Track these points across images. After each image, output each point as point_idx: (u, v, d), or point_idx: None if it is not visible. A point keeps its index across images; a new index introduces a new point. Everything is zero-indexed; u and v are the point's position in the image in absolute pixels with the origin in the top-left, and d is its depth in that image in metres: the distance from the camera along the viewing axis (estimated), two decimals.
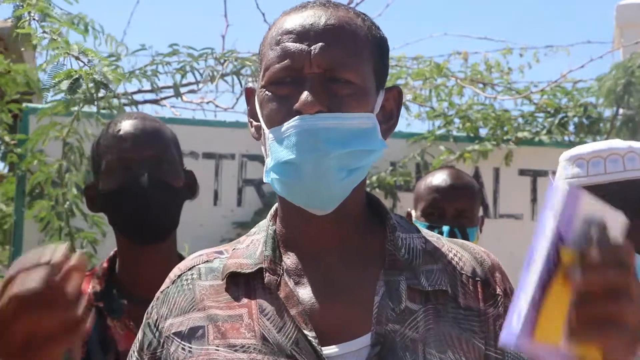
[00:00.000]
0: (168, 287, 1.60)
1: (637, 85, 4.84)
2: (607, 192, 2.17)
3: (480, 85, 5.42)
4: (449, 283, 1.53)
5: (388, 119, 1.58)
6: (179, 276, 1.60)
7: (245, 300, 1.52)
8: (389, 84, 1.63)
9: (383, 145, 1.53)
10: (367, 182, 4.81)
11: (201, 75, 4.38)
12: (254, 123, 1.57)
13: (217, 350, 1.48)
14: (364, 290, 1.50)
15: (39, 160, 4.26)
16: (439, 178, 3.18)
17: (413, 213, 3.22)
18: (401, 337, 1.47)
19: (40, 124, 4.22)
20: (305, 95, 1.46)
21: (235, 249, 1.59)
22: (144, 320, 1.61)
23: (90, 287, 2.39)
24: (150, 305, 1.61)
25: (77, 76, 2.59)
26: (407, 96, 5.46)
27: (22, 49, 5.19)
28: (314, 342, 1.45)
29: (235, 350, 1.47)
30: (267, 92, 1.52)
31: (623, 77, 4.85)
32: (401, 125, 7.19)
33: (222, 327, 1.50)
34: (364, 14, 1.58)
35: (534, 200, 4.83)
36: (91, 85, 3.25)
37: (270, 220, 1.59)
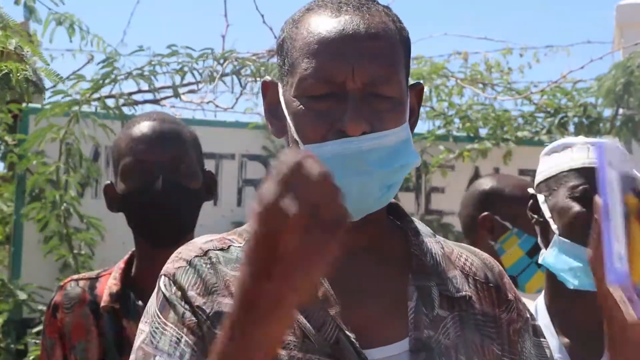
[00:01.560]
0: (184, 265, 1.47)
1: (636, 85, 4.84)
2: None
3: (480, 86, 5.42)
4: (469, 289, 1.53)
5: (411, 117, 1.53)
6: (196, 257, 1.48)
7: None
8: None
9: (416, 157, 1.49)
10: None
11: (200, 75, 4.37)
12: (275, 122, 1.52)
13: None
14: (395, 294, 1.49)
15: (37, 161, 4.25)
16: (487, 184, 3.21)
17: (505, 223, 3.19)
18: (437, 343, 1.46)
19: (38, 126, 4.22)
20: (350, 115, 1.41)
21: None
22: (158, 299, 1.47)
23: (106, 288, 2.39)
24: (163, 285, 1.47)
25: (6, 71, 2.56)
26: None
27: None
28: (356, 343, 1.42)
29: None
30: (301, 105, 1.46)
31: (622, 76, 4.85)
32: None
33: None
34: (391, 11, 1.53)
35: None
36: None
37: None
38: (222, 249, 1.50)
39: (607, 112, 5.10)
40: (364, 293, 1.49)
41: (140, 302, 2.37)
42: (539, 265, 2.95)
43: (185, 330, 1.42)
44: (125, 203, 2.38)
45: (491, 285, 1.56)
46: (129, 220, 2.42)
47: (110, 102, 4.96)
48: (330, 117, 1.43)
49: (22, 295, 4.20)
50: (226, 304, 1.42)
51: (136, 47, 4.44)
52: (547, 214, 2.29)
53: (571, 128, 5.09)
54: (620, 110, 5.02)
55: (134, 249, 2.47)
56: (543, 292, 2.35)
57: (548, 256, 2.28)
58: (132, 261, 2.46)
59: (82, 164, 4.25)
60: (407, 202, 4.88)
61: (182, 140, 2.41)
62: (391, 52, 1.47)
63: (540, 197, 2.33)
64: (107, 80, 4.23)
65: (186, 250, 1.51)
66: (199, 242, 1.53)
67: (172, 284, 1.46)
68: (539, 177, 2.36)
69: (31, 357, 4.12)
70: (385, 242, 1.54)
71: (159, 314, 1.46)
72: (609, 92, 4.89)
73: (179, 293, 1.45)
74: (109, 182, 2.45)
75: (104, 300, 2.36)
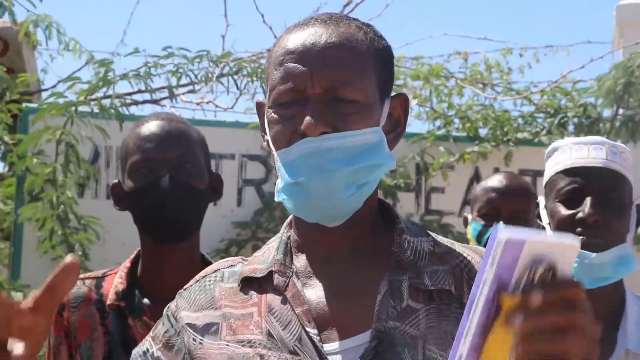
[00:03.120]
0: (192, 285, 1.66)
1: (636, 85, 4.83)
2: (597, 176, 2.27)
3: (480, 86, 5.42)
4: (454, 284, 1.55)
5: (395, 127, 1.60)
6: (204, 277, 1.66)
7: (256, 300, 1.58)
8: None
9: (390, 158, 1.56)
10: None
11: (196, 77, 4.36)
12: (265, 137, 1.61)
13: (228, 345, 1.54)
14: (368, 291, 1.54)
15: (34, 162, 4.25)
16: (495, 180, 3.27)
17: (469, 217, 3.25)
18: (401, 333, 1.50)
19: (35, 127, 4.22)
20: (308, 117, 1.49)
21: (254, 257, 1.66)
22: (163, 313, 1.67)
23: (112, 286, 2.40)
24: (171, 303, 1.67)
25: None
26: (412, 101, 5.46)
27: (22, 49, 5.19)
28: (315, 338, 1.50)
29: (243, 345, 1.53)
30: (272, 114, 1.55)
31: (622, 77, 4.85)
32: None
33: (234, 324, 1.56)
34: (366, 25, 1.60)
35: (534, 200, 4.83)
36: None
37: (286, 228, 1.64)
38: (231, 266, 1.66)
39: (607, 113, 5.10)
40: (338, 292, 1.55)
41: (145, 301, 2.38)
42: None
43: (159, 345, 1.64)
44: (133, 201, 2.40)
45: None
46: (136, 218, 2.43)
47: (108, 103, 4.97)
48: (294, 122, 1.52)
49: (19, 297, 4.20)
50: (215, 315, 1.59)
51: (136, 47, 4.42)
52: (545, 220, 2.34)
53: (571, 128, 5.09)
54: (620, 111, 5.02)
55: (139, 248, 2.48)
56: None
57: None
58: (138, 260, 2.47)
59: (79, 164, 4.25)
60: (407, 202, 4.88)
61: (189, 140, 2.43)
62: (353, 58, 1.53)
63: (542, 204, 2.38)
64: (102, 83, 4.23)
65: (202, 272, 1.69)
66: (217, 262, 1.70)
67: (175, 302, 1.66)
68: (543, 183, 2.41)
69: None
70: (370, 243, 1.59)
71: (154, 327, 1.68)
72: (609, 92, 4.89)
73: (174, 309, 1.64)
74: (116, 180, 2.47)
75: (110, 298, 2.38)
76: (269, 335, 1.53)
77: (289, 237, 1.62)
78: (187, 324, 1.60)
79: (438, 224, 4.83)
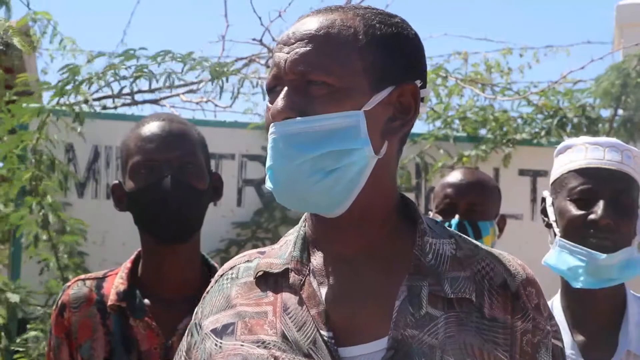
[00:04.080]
0: (212, 287, 1.65)
1: (632, 87, 4.84)
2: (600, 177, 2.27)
3: (480, 86, 5.43)
4: (475, 292, 1.52)
5: (404, 114, 1.55)
6: (221, 276, 1.65)
7: (271, 298, 1.55)
8: None
9: (365, 142, 1.51)
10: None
11: (157, 79, 4.33)
12: None
13: (242, 345, 1.52)
14: (386, 294, 1.51)
15: (13, 167, 4.23)
16: (452, 176, 3.29)
17: (430, 213, 3.27)
18: (419, 342, 1.47)
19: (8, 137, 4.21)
20: (274, 102, 1.51)
21: (271, 249, 1.63)
22: (191, 321, 1.66)
23: (113, 287, 2.40)
24: (198, 306, 1.66)
25: None
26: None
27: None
28: (330, 342, 1.47)
29: (258, 346, 1.51)
30: (267, 102, 1.57)
31: (618, 78, 4.86)
32: None
33: (249, 323, 1.54)
34: (372, 12, 1.57)
35: (533, 200, 4.83)
36: None
37: (304, 222, 1.61)
38: (247, 261, 1.64)
39: (606, 113, 5.11)
40: (354, 293, 1.52)
41: (146, 301, 2.38)
42: None
43: (184, 356, 1.64)
44: (134, 201, 2.40)
45: (508, 291, 1.54)
46: (137, 218, 2.44)
47: (110, 103, 4.97)
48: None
49: (15, 298, 4.20)
50: (231, 314, 1.57)
51: (137, 46, 4.41)
52: (552, 217, 2.34)
53: (569, 129, 5.09)
54: (620, 111, 5.02)
55: (139, 248, 2.48)
56: (560, 290, 2.37)
57: (550, 257, 2.33)
58: (138, 260, 2.47)
59: (53, 168, 4.22)
60: None
61: (190, 140, 2.44)
62: (329, 42, 1.52)
63: (548, 200, 2.37)
64: (69, 87, 4.22)
65: (220, 269, 1.68)
66: (236, 257, 1.68)
67: (199, 308, 1.65)
68: (550, 180, 2.40)
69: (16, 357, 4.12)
70: (389, 242, 1.55)
71: (185, 337, 1.67)
72: (606, 93, 4.90)
73: (199, 318, 1.63)
74: (116, 181, 2.48)
75: (111, 299, 2.38)
76: (284, 336, 1.50)
77: (305, 232, 1.60)
78: (210, 330, 1.58)
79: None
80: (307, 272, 1.54)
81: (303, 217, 1.62)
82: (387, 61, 1.54)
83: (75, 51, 4.65)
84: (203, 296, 1.66)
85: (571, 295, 2.32)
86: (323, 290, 1.53)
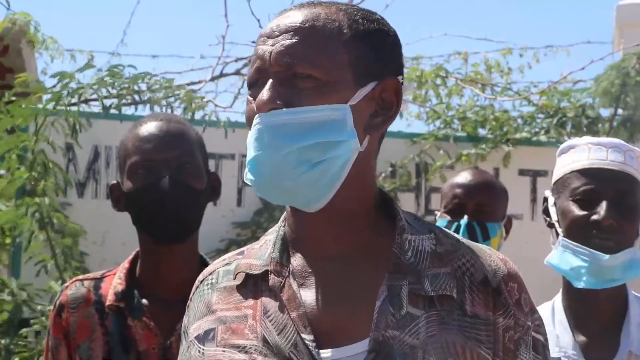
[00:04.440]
0: (193, 293, 1.64)
1: (631, 86, 4.84)
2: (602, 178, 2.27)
3: (480, 86, 5.43)
4: (456, 288, 1.51)
5: (386, 109, 1.55)
6: (202, 281, 1.63)
7: (251, 301, 1.54)
8: None
9: (351, 135, 1.50)
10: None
11: (141, 98, 4.36)
12: None
13: (224, 351, 1.50)
14: (367, 294, 1.49)
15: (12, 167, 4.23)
16: (461, 176, 3.30)
17: (437, 214, 3.27)
18: (400, 343, 1.45)
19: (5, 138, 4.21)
20: (259, 94, 1.50)
21: (251, 249, 1.62)
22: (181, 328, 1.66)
23: (111, 287, 2.40)
24: (185, 313, 1.65)
25: None
26: (407, 96, 5.46)
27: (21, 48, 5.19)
28: (311, 345, 1.46)
29: (239, 351, 1.49)
30: (247, 96, 1.56)
31: (617, 77, 4.86)
32: (401, 126, 7.19)
33: (230, 327, 1.52)
34: (353, 8, 1.58)
35: (533, 200, 4.83)
36: None
37: (283, 221, 1.60)
38: (227, 264, 1.62)
39: (606, 113, 5.11)
40: (335, 294, 1.50)
41: (144, 301, 2.38)
42: None
43: None
44: (132, 201, 2.40)
45: (489, 287, 1.53)
46: (135, 218, 2.43)
47: (109, 101, 4.96)
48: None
49: (22, 295, 4.20)
50: (212, 320, 1.56)
51: (137, 47, 4.42)
52: (554, 217, 2.34)
53: (569, 129, 5.09)
54: (620, 111, 5.02)
55: (138, 248, 2.48)
56: (561, 290, 2.37)
57: (552, 256, 2.33)
58: (136, 261, 2.47)
59: (46, 169, 4.21)
60: (407, 202, 4.88)
61: (188, 140, 2.43)
62: (315, 36, 1.52)
63: (551, 200, 2.37)
64: (65, 92, 4.23)
65: (200, 275, 1.65)
66: (215, 262, 1.65)
67: (185, 318, 1.63)
68: (552, 179, 2.40)
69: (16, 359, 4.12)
70: (369, 241, 1.54)
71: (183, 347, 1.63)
72: (606, 92, 4.90)
73: (185, 326, 1.61)
74: (114, 181, 2.47)
75: (109, 299, 2.38)
76: (264, 340, 1.48)
77: (285, 232, 1.58)
78: (194, 337, 1.56)
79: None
80: (287, 273, 1.52)
81: (282, 217, 1.60)
82: (370, 56, 1.54)
83: (75, 51, 4.65)
84: (187, 304, 1.64)
85: (573, 295, 2.32)
86: (303, 292, 1.51)
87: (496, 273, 1.54)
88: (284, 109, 1.48)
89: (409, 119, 5.85)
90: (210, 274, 1.62)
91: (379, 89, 1.54)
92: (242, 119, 5.29)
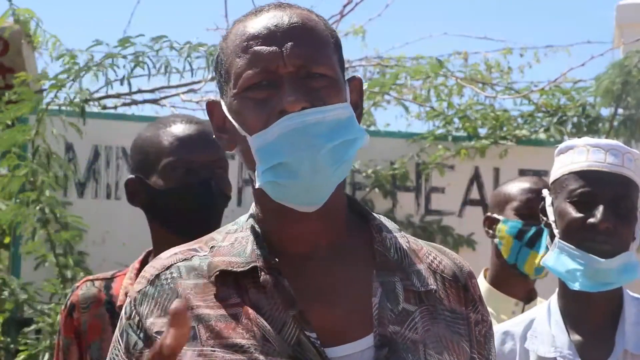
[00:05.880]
0: (145, 287, 1.54)
1: (634, 85, 4.83)
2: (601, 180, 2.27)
3: (480, 85, 5.42)
4: (436, 284, 1.55)
5: (354, 109, 1.56)
6: (157, 276, 1.54)
7: (237, 300, 1.49)
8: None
9: (363, 132, 1.53)
10: (366, 181, 4.84)
11: (155, 66, 4.33)
12: (224, 136, 1.56)
13: (214, 351, 1.46)
14: (359, 291, 1.50)
15: (10, 163, 4.23)
16: (530, 182, 3.30)
17: (499, 216, 3.25)
18: (402, 338, 1.47)
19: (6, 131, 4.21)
20: (287, 94, 1.47)
21: (216, 247, 1.55)
22: (121, 322, 1.56)
23: (122, 287, 2.40)
24: (126, 307, 1.55)
25: None
26: (407, 96, 5.46)
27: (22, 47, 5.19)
28: (317, 343, 1.45)
29: (235, 351, 1.45)
30: (242, 100, 1.51)
31: (619, 76, 4.85)
32: (401, 125, 7.20)
33: (215, 326, 1.47)
34: (313, 11, 1.59)
35: None
36: None
37: (252, 219, 1.56)
38: (185, 259, 1.54)
39: (606, 112, 5.11)
40: (327, 291, 1.50)
41: None
42: (531, 246, 2.99)
43: (123, 355, 1.52)
44: (163, 199, 2.38)
45: (459, 283, 1.57)
46: (162, 216, 2.41)
47: (110, 103, 4.96)
48: (270, 103, 1.48)
49: (23, 295, 4.20)
50: None
51: (97, 39, 4.39)
52: (551, 217, 2.34)
53: (570, 128, 5.09)
54: (620, 110, 5.02)
55: (148, 249, 2.48)
56: (557, 290, 2.38)
57: (548, 258, 2.33)
58: (146, 261, 2.46)
59: (48, 162, 4.21)
60: (407, 202, 4.88)
61: (219, 145, 2.45)
62: (318, 36, 1.53)
63: (548, 200, 2.37)
64: (68, 76, 4.22)
65: (149, 269, 1.56)
66: (164, 256, 1.57)
67: (133, 310, 1.53)
68: (550, 179, 2.40)
69: (21, 357, 4.12)
70: (348, 239, 1.55)
71: (119, 338, 1.55)
72: (607, 91, 4.89)
73: (137, 319, 1.52)
74: (132, 176, 2.45)
75: (120, 299, 2.38)
76: (264, 339, 1.45)
77: (261, 230, 1.53)
78: (155, 332, 1.49)
79: (438, 224, 4.83)
80: (277, 270, 1.49)
81: (248, 215, 1.57)
82: (341, 58, 1.57)
83: (75, 50, 4.64)
84: (132, 297, 1.54)
85: (568, 296, 2.32)
86: (295, 289, 1.48)
87: (462, 269, 1.59)
88: (313, 107, 1.47)
89: (409, 119, 5.84)
90: (167, 268, 1.54)
91: (349, 89, 1.56)
92: None
